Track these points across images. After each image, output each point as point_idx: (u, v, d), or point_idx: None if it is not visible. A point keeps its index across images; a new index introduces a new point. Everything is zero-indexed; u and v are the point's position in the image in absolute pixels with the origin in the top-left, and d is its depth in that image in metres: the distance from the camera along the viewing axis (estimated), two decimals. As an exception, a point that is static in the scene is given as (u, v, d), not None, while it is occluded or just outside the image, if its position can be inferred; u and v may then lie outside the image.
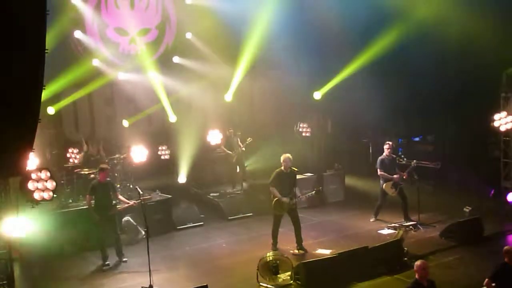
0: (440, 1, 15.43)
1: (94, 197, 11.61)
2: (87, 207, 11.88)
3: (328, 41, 16.90)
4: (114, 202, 11.82)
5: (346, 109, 17.60)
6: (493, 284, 8.14)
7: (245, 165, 17.02)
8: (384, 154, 13.93)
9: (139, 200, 11.09)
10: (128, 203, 11.78)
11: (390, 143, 14.06)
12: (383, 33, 16.16)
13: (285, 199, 11.71)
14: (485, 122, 14.91)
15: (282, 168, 11.92)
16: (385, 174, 13.73)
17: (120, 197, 12.01)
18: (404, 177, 13.69)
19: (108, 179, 11.93)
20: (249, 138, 16.66)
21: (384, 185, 13.80)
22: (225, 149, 16.81)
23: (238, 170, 16.97)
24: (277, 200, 11.79)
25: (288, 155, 12.02)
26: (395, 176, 13.68)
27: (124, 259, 11.68)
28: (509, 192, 14.45)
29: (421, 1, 15.64)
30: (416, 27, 15.58)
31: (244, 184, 16.57)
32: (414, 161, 13.82)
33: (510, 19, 14.44)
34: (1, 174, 7.32)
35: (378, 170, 13.83)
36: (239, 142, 16.73)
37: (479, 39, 14.79)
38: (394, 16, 15.87)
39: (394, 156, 14.05)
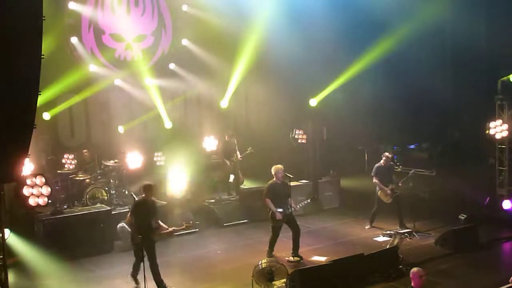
0: (435, 9, 15.53)
1: (135, 217, 10.30)
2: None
3: (324, 47, 16.94)
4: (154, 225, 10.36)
5: (341, 116, 17.63)
6: None
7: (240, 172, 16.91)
8: (381, 162, 13.92)
9: (181, 227, 10.53)
10: (167, 229, 10.39)
11: (388, 155, 14.03)
12: (379, 40, 16.23)
13: (278, 216, 11.67)
14: (480, 130, 14.96)
15: (275, 179, 11.88)
16: (380, 183, 13.74)
17: (160, 222, 10.48)
18: (400, 184, 13.69)
19: (153, 198, 10.64)
20: (249, 148, 16.61)
21: (379, 192, 13.81)
22: (225, 159, 16.69)
23: (231, 179, 16.89)
24: (272, 212, 11.76)
25: (280, 166, 11.95)
26: (388, 190, 13.67)
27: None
28: (504, 199, 14.47)
29: (417, 9, 15.72)
30: (411, 35, 15.67)
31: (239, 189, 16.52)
32: (413, 170, 13.82)
33: (506, 26, 14.54)
34: (-4, 180, 7.30)
35: (374, 178, 13.83)
36: (237, 147, 16.68)
37: (475, 47, 14.91)
38: (390, 23, 15.94)
39: (392, 163, 14.06)
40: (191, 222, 10.79)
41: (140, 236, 10.06)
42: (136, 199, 10.59)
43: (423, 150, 18.97)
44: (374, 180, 13.82)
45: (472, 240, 12.51)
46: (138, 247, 10.27)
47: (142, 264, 10.07)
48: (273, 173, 11.86)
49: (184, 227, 10.57)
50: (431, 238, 13.00)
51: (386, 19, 15.84)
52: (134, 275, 10.51)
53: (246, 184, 16.89)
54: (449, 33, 16.10)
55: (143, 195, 10.44)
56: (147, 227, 10.20)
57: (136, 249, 10.38)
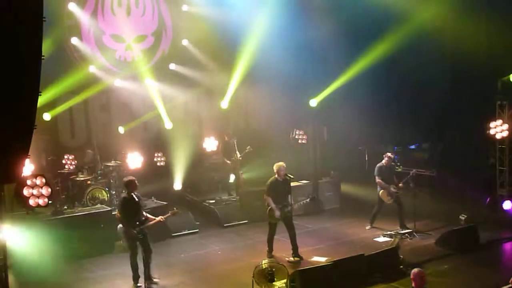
0: (435, 9, 15.51)
1: (123, 214, 10.61)
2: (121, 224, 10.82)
3: (325, 48, 16.92)
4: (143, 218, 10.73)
5: (342, 116, 17.62)
6: None
7: (241, 172, 16.85)
8: (383, 162, 13.91)
9: (167, 215, 10.94)
10: (155, 219, 10.77)
11: (390, 155, 14.03)
12: (379, 41, 16.21)
13: (277, 213, 11.72)
14: (481, 130, 14.95)
15: (276, 176, 11.91)
16: (382, 182, 13.72)
17: (146, 214, 10.86)
18: (400, 185, 13.69)
19: (137, 193, 10.80)
20: (248, 147, 16.56)
21: (380, 192, 13.80)
22: (225, 159, 16.66)
23: (232, 179, 16.87)
24: (271, 208, 11.78)
25: (282, 163, 11.98)
26: (391, 189, 13.66)
27: (156, 279, 10.83)
28: (504, 200, 14.47)
29: (416, 9, 15.70)
30: (411, 35, 15.65)
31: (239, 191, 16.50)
32: (414, 170, 13.83)
33: (506, 25, 14.52)
34: (-4, 180, 7.30)
35: (376, 177, 13.82)
36: (236, 147, 16.65)
37: (474, 46, 14.88)
38: (390, 24, 15.93)
39: (393, 163, 14.07)
40: (175, 209, 11.31)
41: (135, 231, 10.35)
42: (121, 196, 11.02)
43: (423, 151, 18.94)
44: (377, 180, 13.80)
45: (473, 240, 12.50)
46: (133, 241, 10.52)
47: (138, 261, 10.16)
48: (275, 170, 11.89)
49: (170, 214, 10.99)
50: (431, 239, 12.99)
51: (387, 19, 15.82)
52: (135, 277, 10.59)
53: (246, 184, 16.86)
54: (449, 32, 16.06)
55: (127, 191, 10.70)
56: (136, 221, 10.50)
57: (131, 244, 10.57)
